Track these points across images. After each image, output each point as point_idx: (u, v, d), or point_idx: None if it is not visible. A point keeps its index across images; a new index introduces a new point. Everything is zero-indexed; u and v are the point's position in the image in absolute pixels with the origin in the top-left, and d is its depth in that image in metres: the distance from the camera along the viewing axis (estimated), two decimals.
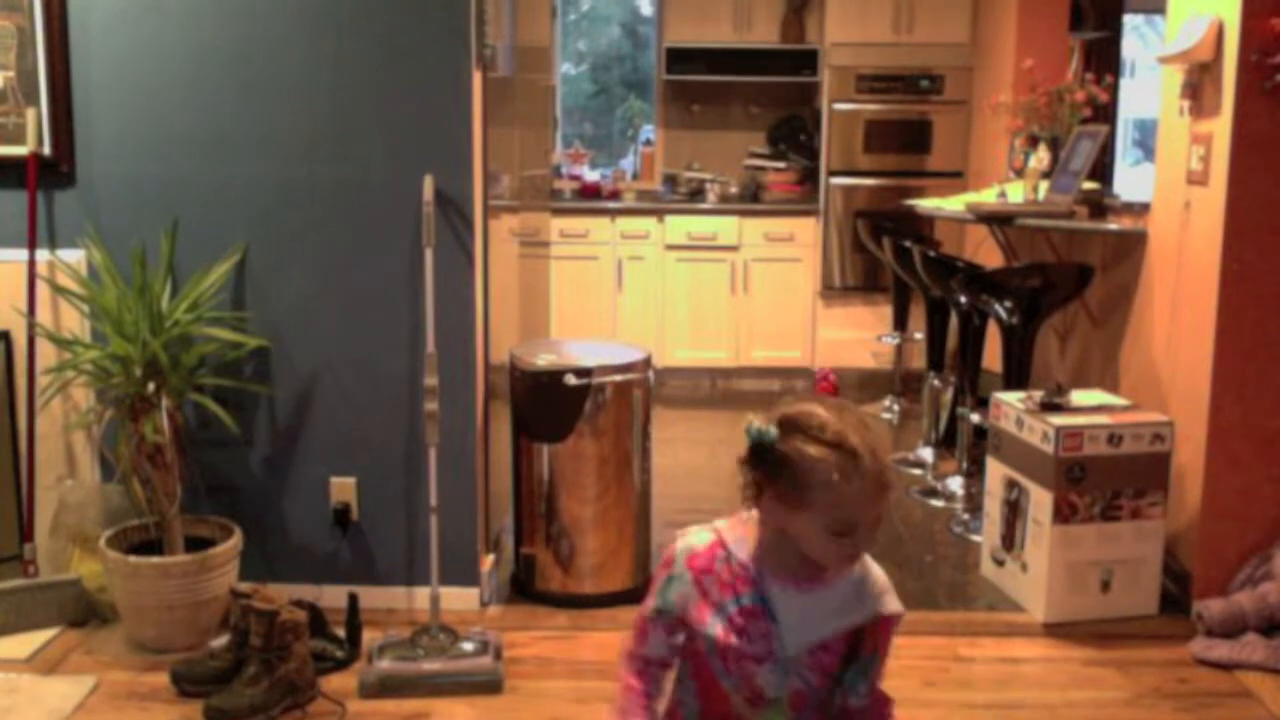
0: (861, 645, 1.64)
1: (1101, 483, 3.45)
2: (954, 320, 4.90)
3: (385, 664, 3.09)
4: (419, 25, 3.32)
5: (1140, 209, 4.03)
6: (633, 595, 3.56)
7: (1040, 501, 3.49)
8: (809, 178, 6.78)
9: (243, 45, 3.36)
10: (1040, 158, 4.60)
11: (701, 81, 6.83)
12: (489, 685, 3.08)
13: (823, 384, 6.29)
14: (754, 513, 1.66)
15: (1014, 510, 3.65)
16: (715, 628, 1.62)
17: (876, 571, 1.68)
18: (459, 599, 3.51)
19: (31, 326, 3.39)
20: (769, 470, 1.58)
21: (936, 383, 5.15)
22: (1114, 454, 3.44)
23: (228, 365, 3.41)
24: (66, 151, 3.41)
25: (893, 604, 1.66)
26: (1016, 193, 4.64)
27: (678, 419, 5.96)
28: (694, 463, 5.12)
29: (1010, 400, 3.72)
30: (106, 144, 3.42)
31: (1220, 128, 3.42)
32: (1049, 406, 3.56)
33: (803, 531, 1.59)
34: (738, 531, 1.67)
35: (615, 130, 7.73)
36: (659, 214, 6.53)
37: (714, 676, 1.64)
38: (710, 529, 1.69)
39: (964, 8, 6.43)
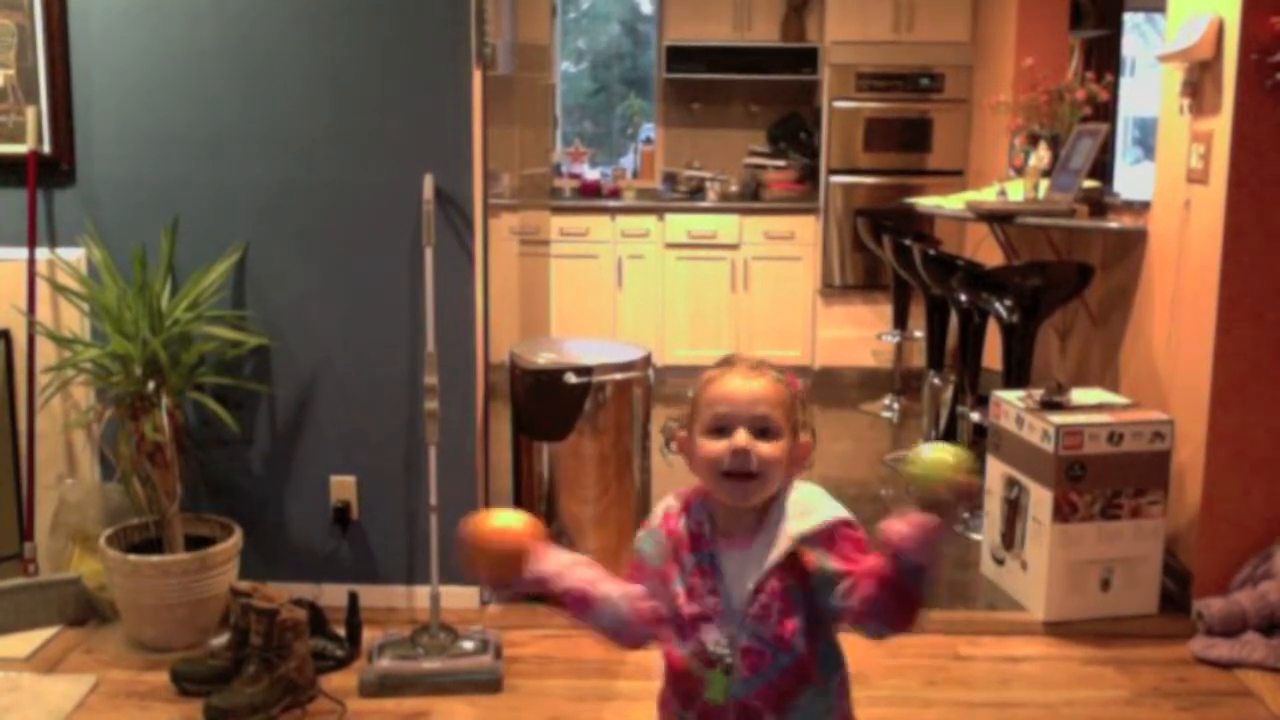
0: (806, 569, 1.60)
1: (1101, 481, 3.45)
2: (954, 319, 4.90)
3: (385, 663, 3.10)
4: (419, 24, 3.32)
5: (1140, 207, 4.03)
6: None
7: (1040, 500, 3.50)
8: (809, 176, 6.78)
9: (243, 45, 3.36)
10: (1040, 156, 4.60)
11: (701, 80, 6.83)
12: (489, 684, 3.08)
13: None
14: None
15: (1014, 509, 3.65)
16: (678, 585, 1.66)
17: (800, 496, 1.65)
18: (459, 598, 3.51)
19: (31, 325, 3.39)
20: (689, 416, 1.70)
21: (936, 381, 5.16)
22: (1114, 453, 3.44)
23: (228, 364, 3.41)
24: (66, 150, 3.41)
25: (821, 516, 1.61)
26: (1016, 191, 4.64)
27: (678, 418, 5.95)
28: None
29: (1010, 399, 3.72)
30: (106, 143, 3.42)
31: (1220, 126, 3.42)
32: (1049, 405, 3.56)
33: (696, 452, 1.65)
34: (699, 496, 1.71)
35: (615, 128, 7.73)
36: (659, 212, 6.53)
37: (675, 647, 1.65)
38: (689, 489, 1.74)
39: (964, 6, 6.43)
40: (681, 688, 1.67)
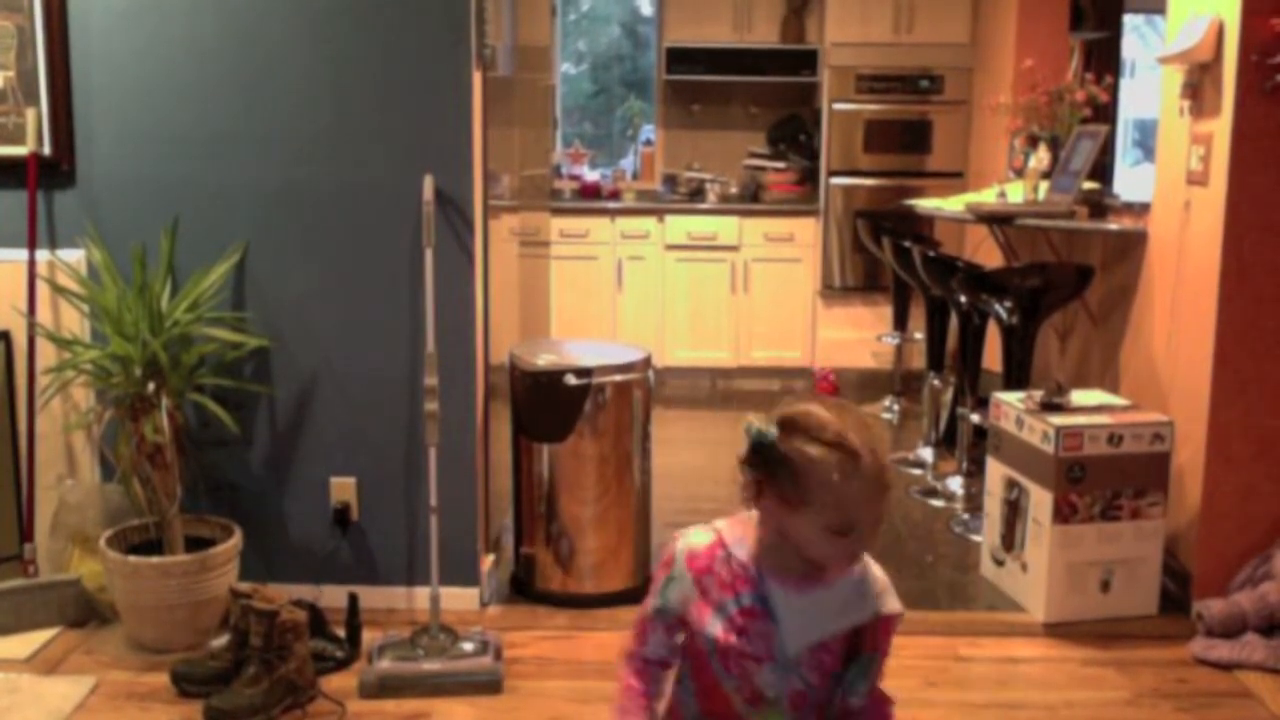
0: (862, 644, 1.64)
1: (1101, 483, 3.45)
2: (954, 320, 4.90)
3: (385, 664, 3.09)
4: (419, 25, 3.33)
5: (1140, 209, 4.03)
6: (633, 595, 3.56)
7: (1040, 501, 3.50)
8: (809, 178, 6.78)
9: (243, 45, 3.36)
10: (1040, 158, 4.60)
11: (701, 81, 6.83)
12: (489, 685, 3.08)
13: (822, 384, 6.30)
14: (754, 513, 1.66)
15: (1014, 510, 3.65)
16: (715, 628, 1.62)
17: (876, 571, 1.68)
18: (459, 599, 3.51)
19: (31, 326, 3.39)
20: (768, 470, 1.58)
21: (936, 383, 5.15)
22: (1114, 454, 3.44)
23: (228, 365, 3.41)
24: (66, 151, 3.41)
25: (893, 604, 1.66)
26: (1016, 193, 4.64)
27: (678, 419, 5.96)
28: (694, 463, 5.11)
29: (1010, 400, 3.72)
30: (106, 144, 3.42)
31: (1220, 128, 3.42)
32: (1049, 406, 3.56)
33: (802, 532, 1.58)
34: (737, 531, 1.67)
35: (615, 130, 7.73)
36: (659, 214, 6.53)
37: (715, 678, 1.64)
38: (710, 529, 1.69)
39: (964, 8, 6.43)
40: (716, 712, 1.67)
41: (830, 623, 1.61)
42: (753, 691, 1.62)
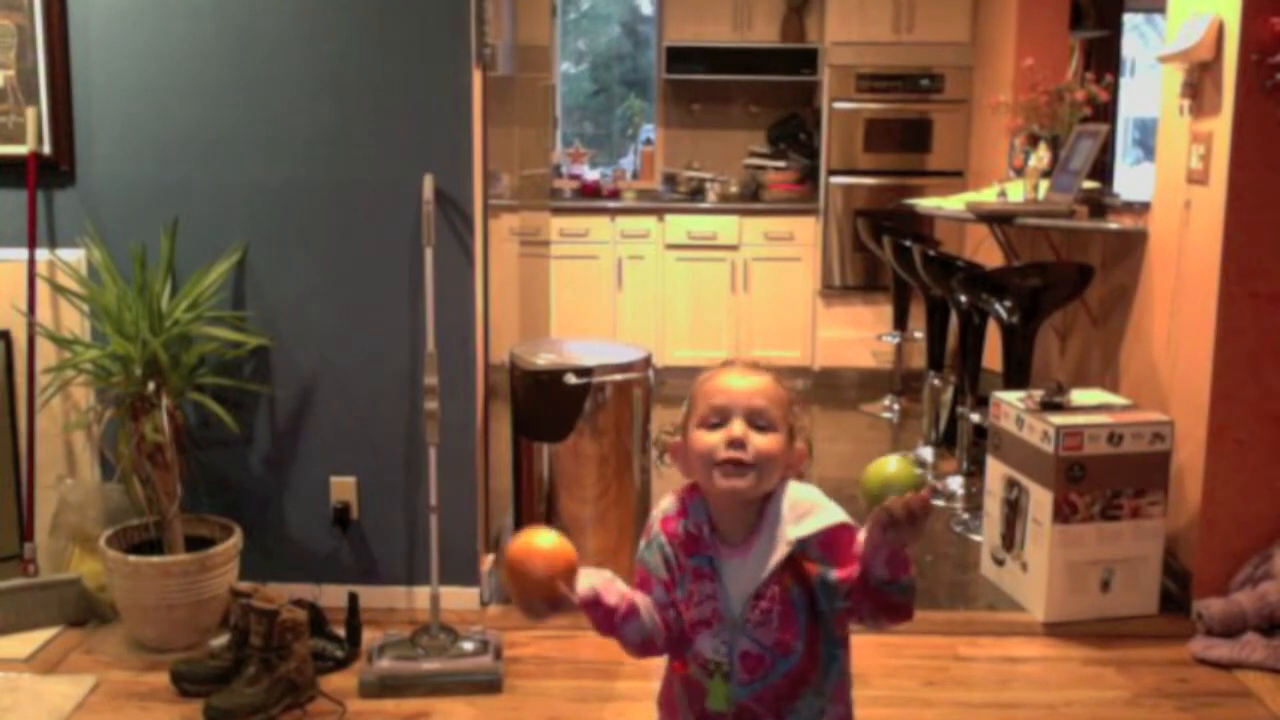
0: (806, 573, 1.60)
1: (1101, 482, 3.45)
2: (954, 319, 4.90)
3: (385, 663, 3.09)
4: (419, 25, 3.32)
5: (1140, 208, 4.03)
6: None
7: (1040, 501, 3.50)
8: (809, 177, 6.78)
9: (243, 45, 3.36)
10: (1040, 157, 4.60)
11: (701, 81, 6.83)
12: (489, 685, 3.08)
13: None
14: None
15: (1014, 510, 3.65)
16: (679, 592, 1.66)
17: (795, 497, 1.64)
18: (459, 598, 3.51)
19: (31, 326, 3.39)
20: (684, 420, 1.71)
21: (936, 382, 5.16)
22: (1114, 453, 3.44)
23: (228, 364, 3.41)
24: (66, 151, 3.41)
25: (820, 521, 1.60)
26: (1016, 192, 4.64)
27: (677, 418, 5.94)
28: None
29: (1010, 399, 3.72)
30: (106, 144, 3.42)
31: (1220, 127, 3.42)
32: (1049, 406, 3.56)
33: (691, 446, 1.65)
34: (696, 495, 1.70)
35: (615, 129, 7.73)
36: (659, 213, 6.53)
37: (679, 648, 1.66)
38: (675, 495, 1.73)
39: (964, 7, 6.43)
40: (690, 691, 1.68)
41: (760, 571, 1.61)
42: (705, 658, 1.63)
